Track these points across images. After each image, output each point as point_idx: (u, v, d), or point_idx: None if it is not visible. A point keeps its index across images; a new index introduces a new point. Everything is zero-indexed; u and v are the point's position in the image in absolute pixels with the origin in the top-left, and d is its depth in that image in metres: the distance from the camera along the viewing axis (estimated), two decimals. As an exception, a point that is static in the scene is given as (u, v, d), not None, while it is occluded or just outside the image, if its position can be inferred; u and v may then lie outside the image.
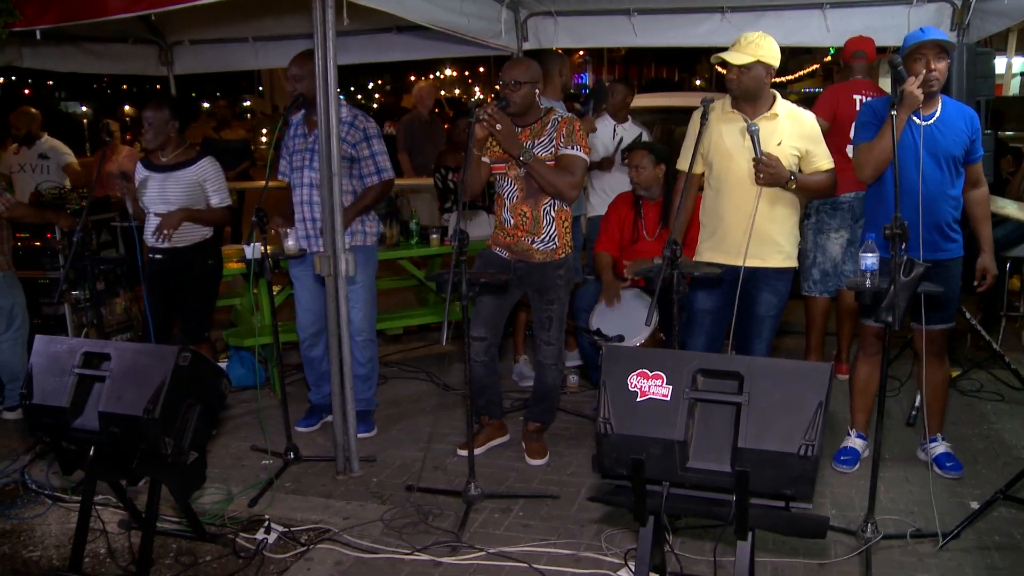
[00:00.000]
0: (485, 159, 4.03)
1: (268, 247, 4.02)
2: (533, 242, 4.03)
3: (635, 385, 2.59)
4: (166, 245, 4.51)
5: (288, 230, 4.19)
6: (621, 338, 4.60)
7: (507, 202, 4.07)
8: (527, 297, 4.29)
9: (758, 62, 3.67)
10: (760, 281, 3.82)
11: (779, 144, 3.72)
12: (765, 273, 3.83)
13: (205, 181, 4.56)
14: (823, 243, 5.09)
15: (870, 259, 3.18)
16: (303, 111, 4.37)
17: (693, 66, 38.23)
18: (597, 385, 5.07)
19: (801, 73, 24.46)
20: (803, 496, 2.49)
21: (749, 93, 3.72)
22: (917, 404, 4.50)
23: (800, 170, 3.80)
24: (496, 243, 4.15)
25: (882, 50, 5.84)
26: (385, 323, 5.84)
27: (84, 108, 33.68)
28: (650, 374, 2.59)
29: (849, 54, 5.24)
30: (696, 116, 3.83)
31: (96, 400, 3.09)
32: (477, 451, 4.12)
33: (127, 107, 30.39)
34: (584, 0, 6.05)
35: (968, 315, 4.98)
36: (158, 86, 8.11)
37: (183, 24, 6.42)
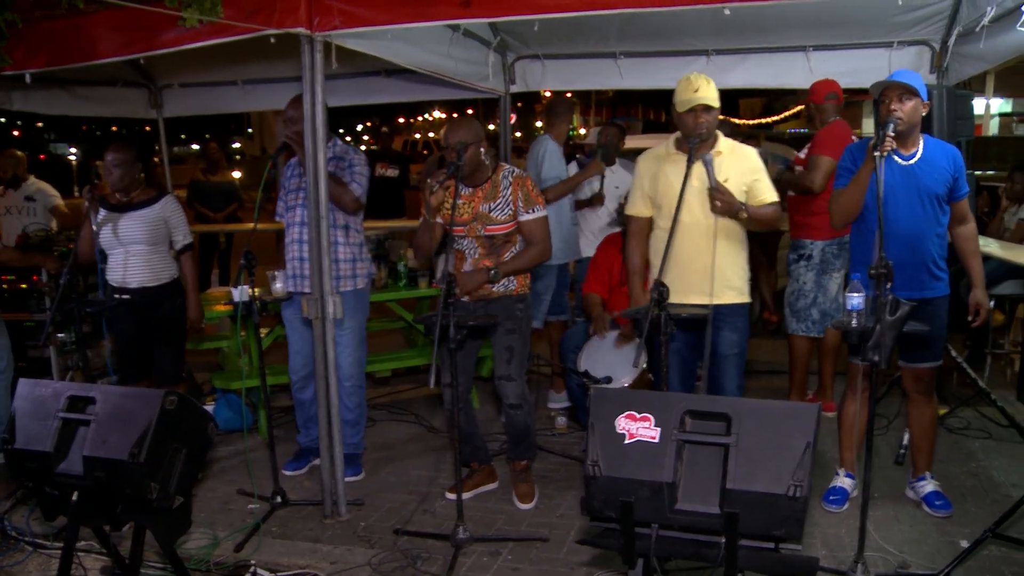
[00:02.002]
0: (439, 220, 4.05)
1: (256, 289, 4.02)
2: (493, 286, 4.06)
3: (623, 427, 2.59)
4: (135, 285, 4.56)
5: (276, 272, 4.19)
6: (609, 380, 4.60)
7: (468, 257, 4.08)
8: None
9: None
10: (717, 319, 3.82)
11: (726, 180, 3.75)
12: (720, 311, 3.83)
13: (169, 218, 4.62)
14: (826, 283, 5.12)
15: (856, 299, 3.20)
16: (283, 151, 4.40)
17: (679, 107, 38.51)
18: (585, 426, 5.06)
19: (787, 114, 24.71)
20: (792, 537, 2.48)
21: (712, 132, 3.76)
22: (905, 442, 4.50)
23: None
24: None
25: (865, 91, 5.93)
26: (373, 366, 5.82)
27: (73, 150, 33.74)
28: (638, 416, 2.59)
29: (822, 96, 5.25)
30: (654, 157, 3.93)
31: (81, 444, 3.04)
32: (466, 495, 4.08)
33: (116, 149, 30.42)
34: (571, 43, 6.13)
35: (954, 353, 5.01)
36: (147, 128, 8.15)
37: (172, 67, 6.47)
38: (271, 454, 4.23)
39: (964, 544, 3.61)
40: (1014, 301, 6.12)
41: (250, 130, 38.02)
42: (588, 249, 5.60)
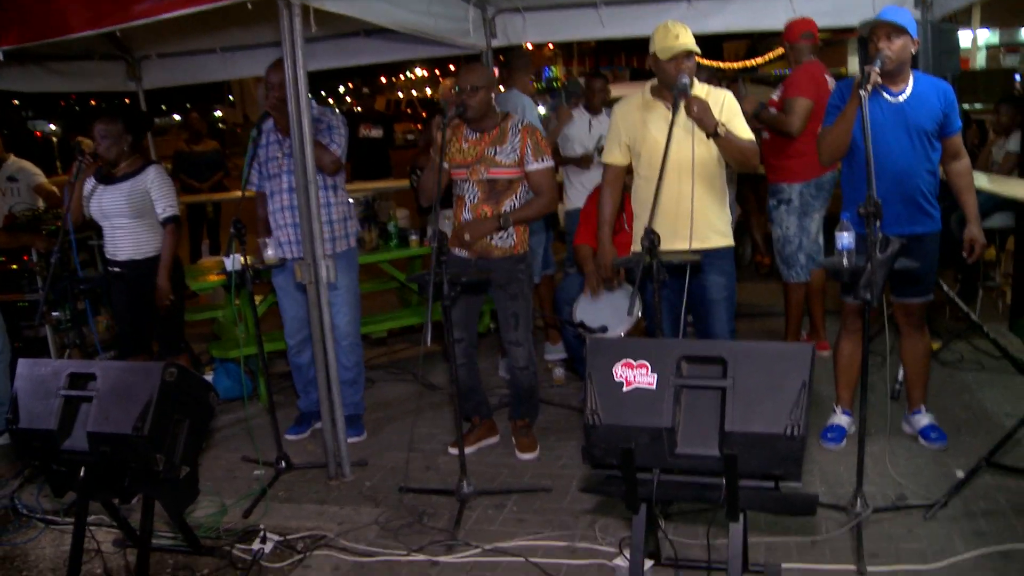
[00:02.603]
0: (444, 164, 4.04)
1: (248, 258, 4.01)
2: (492, 239, 4.08)
3: (621, 375, 2.62)
4: (123, 258, 4.55)
5: (267, 239, 4.19)
6: (605, 329, 4.62)
7: (467, 203, 4.09)
8: None
9: None
10: (704, 264, 3.83)
11: None
12: (707, 255, 3.82)
13: (151, 188, 4.55)
14: (808, 226, 5.12)
15: (846, 238, 3.22)
16: (267, 119, 4.38)
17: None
18: (583, 377, 5.10)
19: (771, 56, 24.51)
20: (791, 475, 2.53)
21: (692, 77, 3.72)
22: (900, 378, 4.55)
23: None
24: (455, 244, 4.17)
25: (850, 30, 5.89)
26: (369, 327, 5.85)
27: (52, 127, 33.33)
28: (635, 363, 2.62)
29: (797, 34, 5.17)
30: (630, 106, 3.93)
31: (84, 421, 3.08)
32: (468, 450, 4.13)
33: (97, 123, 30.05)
34: (550, -6, 6.07)
35: (946, 287, 5.04)
36: (127, 100, 8.05)
37: (150, 38, 6.38)
38: (273, 420, 4.26)
39: (960, 474, 3.68)
40: (1004, 234, 6.14)
41: (231, 97, 37.65)
42: (578, 200, 5.59)
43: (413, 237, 5.84)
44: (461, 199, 4.12)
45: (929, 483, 3.69)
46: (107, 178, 4.52)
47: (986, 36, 18.69)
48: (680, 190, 3.76)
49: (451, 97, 8.90)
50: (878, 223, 3.09)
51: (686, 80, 3.58)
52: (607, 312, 4.70)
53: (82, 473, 3.11)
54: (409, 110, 32.01)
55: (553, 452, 4.31)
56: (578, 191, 5.73)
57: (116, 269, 4.60)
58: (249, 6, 3.67)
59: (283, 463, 4.21)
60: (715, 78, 5.57)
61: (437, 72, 50.46)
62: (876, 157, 3.54)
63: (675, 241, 3.77)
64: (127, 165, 4.54)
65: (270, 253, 4.12)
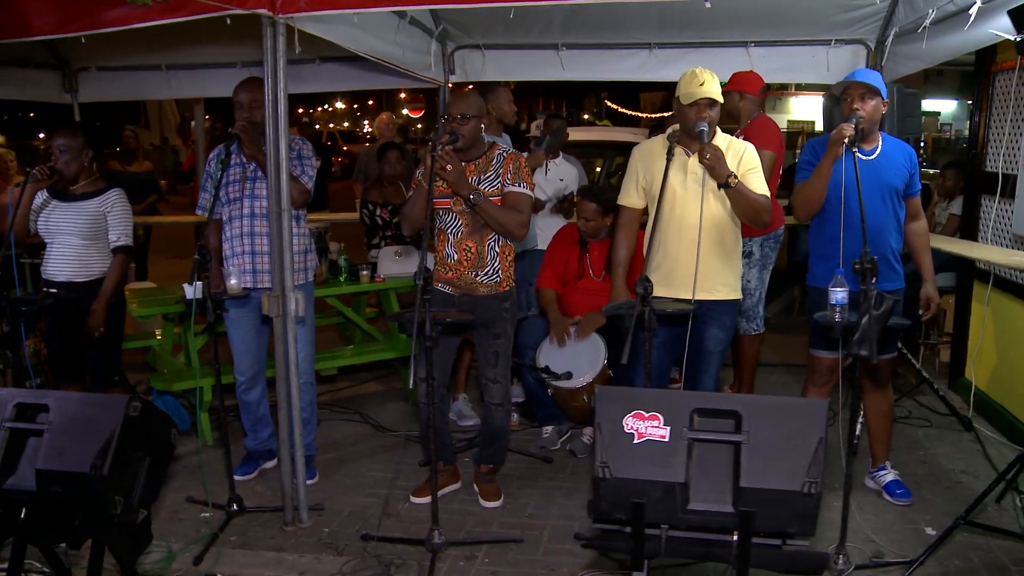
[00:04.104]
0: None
1: (210, 287, 3.79)
2: (477, 275, 3.96)
3: (631, 427, 2.53)
4: (61, 279, 4.29)
5: (231, 268, 3.96)
6: (570, 375, 4.53)
7: (451, 237, 3.97)
8: (470, 335, 4.19)
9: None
10: (707, 315, 3.80)
11: None
12: (712, 306, 3.80)
13: (109, 212, 4.34)
14: (765, 278, 5.14)
15: (840, 293, 3.21)
16: (236, 142, 4.17)
17: (580, 100, 38.98)
18: (541, 422, 5.00)
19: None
20: (806, 533, 2.48)
21: (714, 127, 3.70)
22: (858, 432, 4.58)
23: None
24: (438, 279, 4.03)
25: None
26: (320, 363, 5.60)
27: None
28: (646, 415, 2.53)
29: (758, 88, 5.19)
30: (649, 149, 3.88)
31: (32, 457, 2.82)
32: (429, 498, 3.95)
33: (-3, 135, 28.76)
34: (512, 34, 6.03)
35: (899, 344, 5.12)
36: (32, 114, 7.65)
37: (90, 50, 6.04)
38: (226, 458, 3.97)
39: (929, 531, 3.72)
40: (942, 293, 6.32)
41: (145, 117, 36.36)
42: (540, 242, 5.51)
43: (364, 272, 5.65)
44: (444, 233, 3.98)
45: (900, 540, 3.70)
46: (62, 194, 4.23)
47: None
48: (693, 240, 3.69)
49: (388, 129, 8.79)
50: (873, 279, 3.10)
51: (704, 127, 3.55)
52: (573, 358, 4.61)
53: (22, 515, 2.83)
54: (329, 143, 31.60)
55: (518, 501, 4.17)
56: (538, 234, 5.64)
57: (53, 290, 4.30)
58: (228, 21, 3.51)
59: (235, 505, 3.94)
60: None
61: (356, 106, 50.12)
62: (850, 213, 3.60)
63: (680, 290, 3.72)
64: (87, 183, 4.28)
65: (233, 283, 3.88)
